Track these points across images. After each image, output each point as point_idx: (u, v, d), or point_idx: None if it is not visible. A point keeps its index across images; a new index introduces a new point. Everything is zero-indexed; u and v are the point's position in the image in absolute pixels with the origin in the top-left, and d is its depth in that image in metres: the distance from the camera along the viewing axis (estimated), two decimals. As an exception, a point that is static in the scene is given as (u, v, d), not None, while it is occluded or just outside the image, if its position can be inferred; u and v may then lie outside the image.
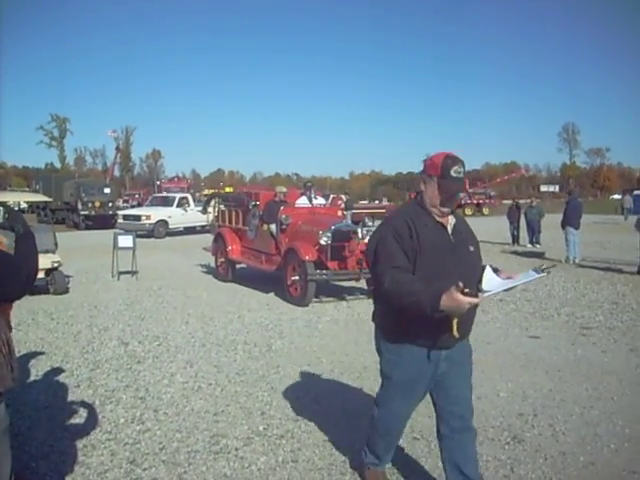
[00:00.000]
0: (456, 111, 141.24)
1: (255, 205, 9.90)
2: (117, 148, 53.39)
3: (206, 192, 42.94)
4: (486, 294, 2.51)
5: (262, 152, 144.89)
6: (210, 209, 12.50)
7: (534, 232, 16.93)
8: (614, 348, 5.80)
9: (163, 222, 21.52)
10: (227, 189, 36.27)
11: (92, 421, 3.97)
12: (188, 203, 22.95)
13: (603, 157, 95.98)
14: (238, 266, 10.53)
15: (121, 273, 10.89)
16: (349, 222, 8.79)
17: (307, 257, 8.08)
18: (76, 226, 26.61)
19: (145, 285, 10.05)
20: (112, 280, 10.68)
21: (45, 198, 15.31)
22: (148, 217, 21.24)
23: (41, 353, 5.72)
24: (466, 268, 2.53)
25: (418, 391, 2.73)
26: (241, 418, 4.02)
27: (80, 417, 4.08)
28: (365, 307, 7.99)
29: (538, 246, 16.40)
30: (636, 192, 39.61)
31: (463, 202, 36.51)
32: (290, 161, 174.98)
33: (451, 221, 2.62)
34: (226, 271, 10.43)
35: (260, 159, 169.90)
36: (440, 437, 2.78)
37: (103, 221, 25.54)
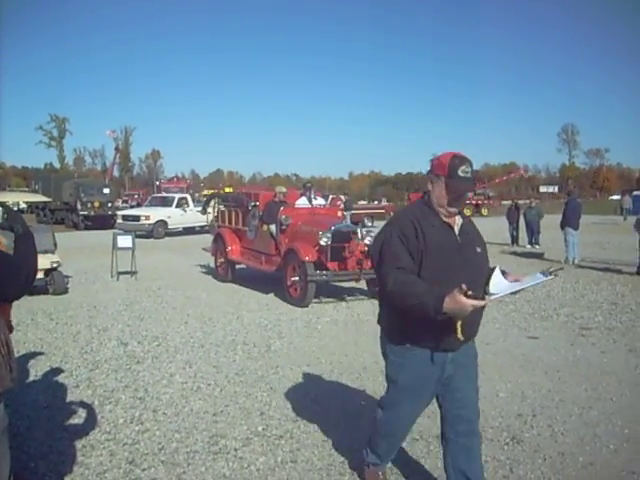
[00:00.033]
0: (455, 111, 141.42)
1: (255, 205, 9.89)
2: (116, 148, 53.49)
3: (205, 192, 42.94)
4: (492, 297, 2.48)
5: (261, 152, 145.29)
6: (210, 209, 12.50)
7: (533, 233, 16.94)
8: (613, 349, 5.80)
9: (162, 222, 21.52)
10: (227, 189, 36.27)
11: (91, 421, 3.97)
12: (187, 203, 22.97)
13: (602, 158, 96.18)
14: (237, 266, 10.53)
15: (120, 273, 10.88)
16: (349, 223, 8.80)
17: (307, 258, 8.07)
18: (75, 226, 26.61)
19: (144, 285, 10.05)
20: (111, 280, 10.67)
21: (44, 198, 15.35)
22: (147, 217, 21.25)
23: (40, 353, 5.71)
24: (473, 269, 2.50)
25: (424, 395, 2.69)
26: (240, 418, 4.02)
27: (79, 417, 4.08)
28: (365, 308, 7.99)
29: (537, 247, 16.41)
30: (635, 193, 39.64)
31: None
32: (289, 161, 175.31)
33: (458, 221, 2.59)
34: (226, 271, 10.43)
35: (259, 159, 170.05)
36: (445, 441, 2.72)
37: (102, 221, 25.53)
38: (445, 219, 2.55)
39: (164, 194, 29.37)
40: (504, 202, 43.40)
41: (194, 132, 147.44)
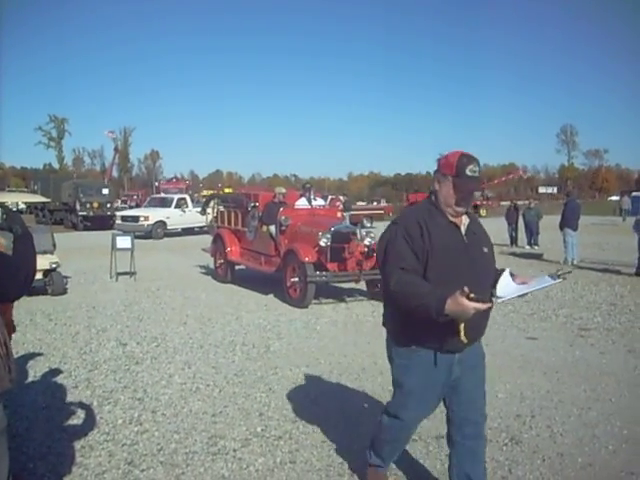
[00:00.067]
0: (454, 112, 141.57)
1: (254, 206, 9.89)
2: (115, 149, 53.31)
3: (204, 193, 42.93)
4: (500, 300, 2.47)
5: (260, 153, 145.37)
6: (209, 210, 12.50)
7: (532, 233, 16.96)
8: (612, 349, 5.81)
9: (161, 223, 21.51)
10: (226, 190, 36.27)
11: (90, 422, 3.96)
12: (186, 204, 22.95)
13: (601, 158, 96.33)
14: (237, 267, 10.52)
15: (119, 274, 10.87)
16: (348, 223, 8.80)
17: (307, 258, 8.07)
18: (74, 227, 26.59)
19: (143, 286, 10.05)
20: (110, 281, 10.67)
21: (43, 199, 15.32)
22: (146, 218, 21.23)
23: (39, 354, 5.71)
24: (479, 269, 2.48)
25: (431, 398, 2.64)
26: (239, 419, 4.02)
27: (78, 418, 4.07)
28: (364, 309, 8.00)
29: (536, 247, 16.42)
30: (634, 193, 39.75)
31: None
32: (288, 162, 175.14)
33: (465, 221, 2.56)
34: (225, 272, 10.42)
35: (258, 160, 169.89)
36: (451, 443, 2.70)
37: (101, 222, 25.49)
38: (452, 219, 2.52)
39: (163, 195, 29.39)
40: (503, 203, 43.44)
41: (193, 133, 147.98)
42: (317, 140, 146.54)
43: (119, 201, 42.74)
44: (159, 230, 21.25)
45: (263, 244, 9.54)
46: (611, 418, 3.95)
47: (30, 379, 4.96)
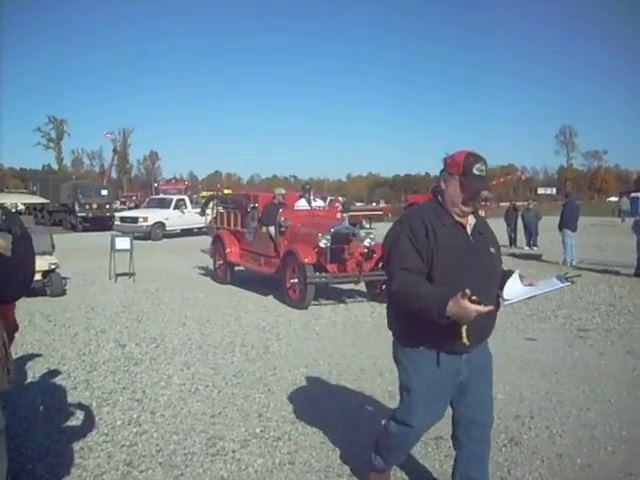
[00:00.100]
0: (453, 113, 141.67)
1: (254, 207, 9.89)
2: (114, 150, 53.25)
3: (204, 194, 42.90)
4: (506, 302, 2.45)
5: (259, 154, 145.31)
6: (208, 211, 12.50)
7: (531, 234, 16.98)
8: (611, 350, 5.81)
9: (160, 224, 21.50)
10: (226, 191, 36.24)
11: (89, 423, 3.96)
12: (185, 205, 22.94)
13: (600, 159, 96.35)
14: (236, 268, 10.51)
15: (118, 275, 10.87)
16: (347, 224, 8.79)
17: (306, 260, 8.06)
18: (73, 228, 26.59)
19: (142, 287, 10.04)
20: (109, 282, 10.66)
21: (42, 200, 15.32)
22: (145, 219, 21.22)
23: (38, 355, 5.70)
24: (486, 269, 2.45)
25: (439, 402, 2.58)
26: (238, 420, 4.02)
27: (77, 419, 4.07)
28: (363, 310, 8.00)
29: (535, 248, 16.44)
30: (633, 194, 39.81)
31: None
32: (287, 163, 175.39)
33: (471, 221, 2.53)
34: (224, 273, 10.42)
35: (257, 161, 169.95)
36: (457, 445, 2.67)
37: (100, 223, 25.49)
38: (458, 219, 2.49)
39: (162, 196, 29.34)
40: (502, 204, 43.41)
41: (192, 134, 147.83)
42: (316, 141, 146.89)
43: (118, 202, 42.67)
44: (158, 231, 21.24)
45: (263, 245, 9.54)
46: (610, 419, 3.96)
47: (29, 380, 4.96)
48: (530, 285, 2.51)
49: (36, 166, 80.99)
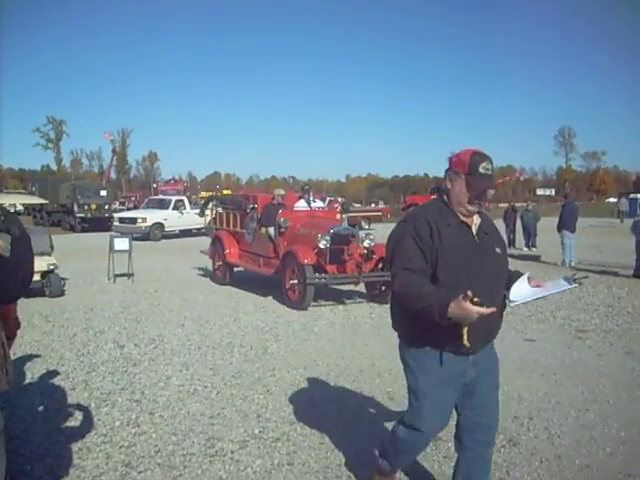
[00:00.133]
0: (453, 114, 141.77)
1: (253, 208, 9.88)
2: (113, 150, 53.26)
3: (203, 195, 42.88)
4: (513, 303, 2.43)
5: (258, 155, 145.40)
6: (208, 212, 12.50)
7: (530, 235, 16.99)
8: (610, 351, 5.82)
9: (159, 225, 21.50)
10: (225, 192, 36.23)
11: (87, 424, 3.96)
12: (184, 206, 22.94)
13: (599, 160, 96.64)
14: (235, 269, 10.51)
15: (117, 276, 10.86)
16: (346, 225, 8.79)
17: (306, 260, 8.06)
18: (72, 228, 26.57)
19: (141, 288, 10.04)
20: (108, 283, 10.65)
21: (41, 200, 15.24)
22: (144, 220, 21.21)
23: (37, 356, 5.70)
24: (491, 270, 2.42)
25: (446, 403, 2.54)
26: (237, 421, 4.01)
27: (75, 420, 4.07)
28: (362, 311, 8.00)
29: (534, 249, 16.46)
30: (632, 195, 39.86)
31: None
32: (286, 164, 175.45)
33: (476, 221, 2.50)
34: (224, 274, 10.42)
35: (256, 162, 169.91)
36: (461, 447, 2.63)
37: (99, 223, 25.47)
38: (463, 218, 2.46)
39: (161, 196, 29.32)
40: (501, 205, 43.44)
41: (191, 134, 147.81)
42: (315, 142, 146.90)
43: (117, 203, 42.67)
44: (157, 232, 21.24)
45: (262, 246, 9.54)
46: (609, 420, 3.96)
47: (28, 381, 4.95)
48: (537, 286, 2.49)
49: (35, 166, 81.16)
